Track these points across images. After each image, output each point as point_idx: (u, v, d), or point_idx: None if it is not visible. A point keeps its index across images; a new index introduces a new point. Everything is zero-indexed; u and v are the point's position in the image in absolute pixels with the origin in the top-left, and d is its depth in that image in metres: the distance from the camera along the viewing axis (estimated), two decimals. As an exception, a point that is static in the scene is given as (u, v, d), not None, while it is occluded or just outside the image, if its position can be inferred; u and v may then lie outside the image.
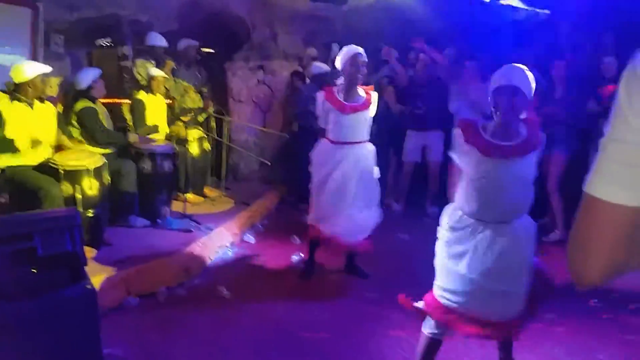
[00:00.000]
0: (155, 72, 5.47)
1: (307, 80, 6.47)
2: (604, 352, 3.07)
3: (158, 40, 6.07)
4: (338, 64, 3.91)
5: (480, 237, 2.34)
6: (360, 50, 3.86)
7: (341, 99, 3.86)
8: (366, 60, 3.88)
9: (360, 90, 3.92)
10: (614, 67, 4.81)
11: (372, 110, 3.93)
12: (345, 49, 3.92)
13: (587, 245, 0.84)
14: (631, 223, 0.81)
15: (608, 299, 3.65)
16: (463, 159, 2.41)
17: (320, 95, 3.94)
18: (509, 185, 2.34)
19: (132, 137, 4.92)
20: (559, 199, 5.09)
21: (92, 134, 4.58)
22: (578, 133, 5.02)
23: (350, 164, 3.85)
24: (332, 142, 3.90)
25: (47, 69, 4.06)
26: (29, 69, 3.91)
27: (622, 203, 0.80)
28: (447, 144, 3.13)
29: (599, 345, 3.16)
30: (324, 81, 6.06)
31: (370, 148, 3.96)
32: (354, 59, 3.82)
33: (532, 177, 2.41)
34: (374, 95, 3.94)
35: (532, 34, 6.50)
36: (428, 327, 2.50)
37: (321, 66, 6.18)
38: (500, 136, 2.36)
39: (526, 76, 2.35)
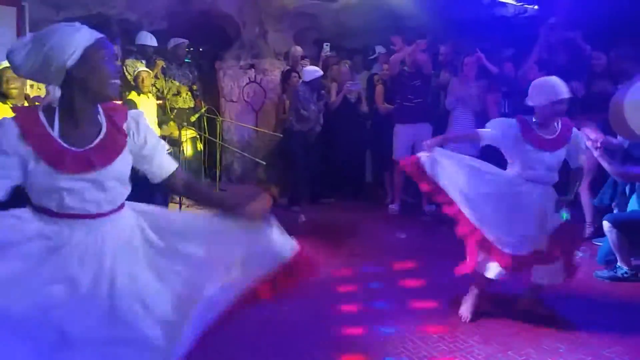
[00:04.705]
0: (140, 67, 5.39)
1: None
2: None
3: (148, 39, 5.99)
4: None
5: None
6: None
7: None
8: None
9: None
10: (604, 62, 4.85)
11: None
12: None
13: None
14: None
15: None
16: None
17: None
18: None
19: None
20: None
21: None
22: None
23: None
24: None
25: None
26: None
27: None
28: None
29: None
30: (319, 85, 5.94)
31: None
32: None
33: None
34: None
35: (521, 30, 6.52)
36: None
37: (315, 71, 5.91)
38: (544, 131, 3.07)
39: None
